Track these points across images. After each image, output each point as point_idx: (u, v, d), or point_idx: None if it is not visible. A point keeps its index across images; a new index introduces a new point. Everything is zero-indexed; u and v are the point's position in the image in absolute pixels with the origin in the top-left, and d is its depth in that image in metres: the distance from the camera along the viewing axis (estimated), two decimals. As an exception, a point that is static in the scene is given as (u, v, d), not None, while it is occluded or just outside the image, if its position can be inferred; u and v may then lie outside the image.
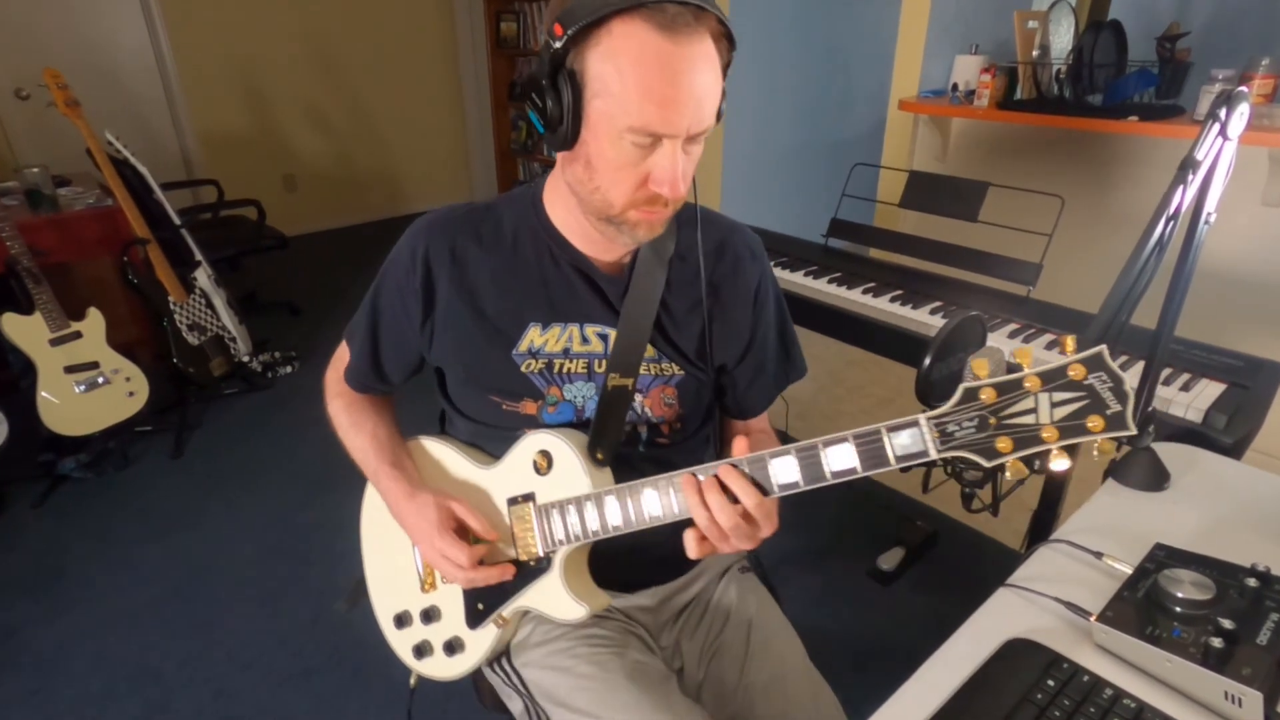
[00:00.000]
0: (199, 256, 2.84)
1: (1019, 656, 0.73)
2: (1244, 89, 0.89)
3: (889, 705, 0.71)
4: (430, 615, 0.97)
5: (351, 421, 1.01)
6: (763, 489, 0.73)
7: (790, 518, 0.79)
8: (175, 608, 1.94)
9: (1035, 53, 2.63)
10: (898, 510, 2.20)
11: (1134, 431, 0.60)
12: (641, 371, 0.90)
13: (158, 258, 2.66)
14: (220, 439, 2.71)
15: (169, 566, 2.08)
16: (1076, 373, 0.61)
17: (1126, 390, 0.60)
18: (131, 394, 2.46)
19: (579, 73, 0.71)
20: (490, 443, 0.96)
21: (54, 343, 2.32)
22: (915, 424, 0.67)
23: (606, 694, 0.87)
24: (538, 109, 0.75)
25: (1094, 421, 0.61)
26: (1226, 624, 0.67)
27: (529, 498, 0.89)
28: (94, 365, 2.39)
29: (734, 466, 0.74)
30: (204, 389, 2.86)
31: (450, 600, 0.96)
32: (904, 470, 0.71)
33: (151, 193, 2.78)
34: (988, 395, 0.64)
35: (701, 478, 0.75)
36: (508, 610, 0.92)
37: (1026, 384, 0.62)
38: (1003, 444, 0.64)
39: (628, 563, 0.95)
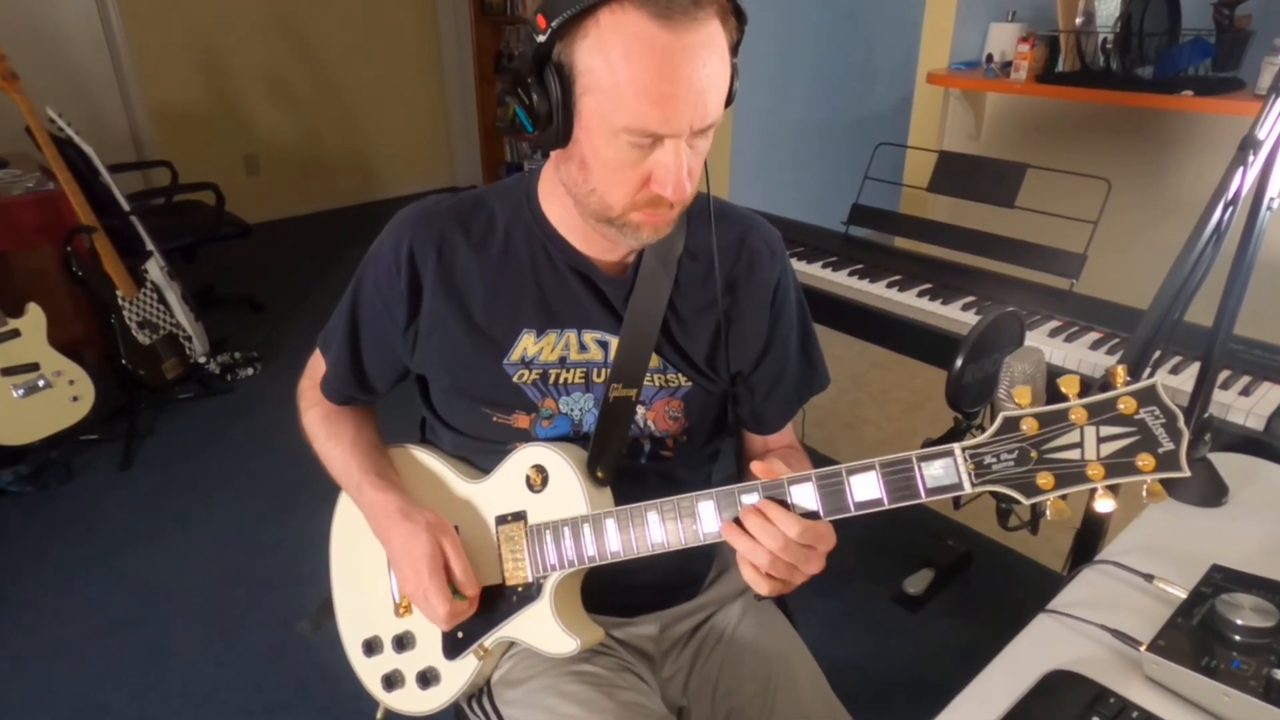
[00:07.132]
0: (150, 246, 2.84)
1: (1061, 690, 0.73)
2: (1310, 60, 0.89)
3: (917, 744, 0.71)
4: (404, 642, 0.97)
5: (329, 432, 1.00)
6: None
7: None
8: (125, 636, 1.94)
9: (1079, 20, 2.63)
10: (926, 528, 2.20)
11: (1188, 473, 0.61)
12: (645, 382, 0.90)
13: (105, 247, 2.66)
14: (174, 448, 2.70)
15: (118, 590, 2.08)
16: (1127, 406, 0.62)
17: (1180, 428, 0.61)
18: (75, 399, 2.46)
19: (567, 66, 0.71)
20: (477, 456, 0.95)
21: (-11, 342, 2.32)
22: (950, 454, 0.67)
23: None
24: (524, 105, 0.75)
25: (1144, 460, 0.62)
26: (1291, 654, 0.67)
27: (520, 516, 0.88)
28: (34, 367, 2.38)
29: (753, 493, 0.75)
30: (156, 393, 2.85)
31: (426, 627, 0.95)
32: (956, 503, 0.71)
33: (98, 175, 2.78)
34: (1029, 426, 0.64)
35: (727, 515, 0.77)
36: (490, 640, 0.92)
37: (1072, 416, 0.63)
38: (1044, 480, 0.65)
39: (628, 585, 0.95)
